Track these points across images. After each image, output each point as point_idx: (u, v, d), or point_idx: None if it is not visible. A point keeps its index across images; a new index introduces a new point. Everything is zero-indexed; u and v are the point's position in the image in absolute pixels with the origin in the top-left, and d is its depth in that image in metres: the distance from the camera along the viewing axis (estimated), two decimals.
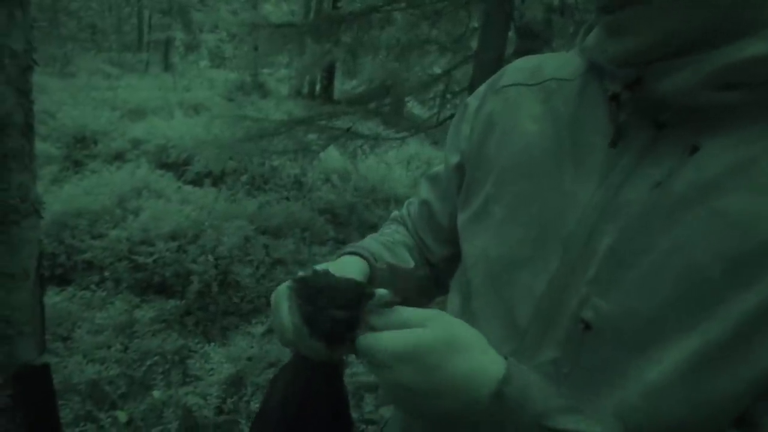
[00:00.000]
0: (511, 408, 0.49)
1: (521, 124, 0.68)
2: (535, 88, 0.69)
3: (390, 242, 0.85)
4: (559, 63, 0.69)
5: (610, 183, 0.56)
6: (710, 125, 0.52)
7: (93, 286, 3.44)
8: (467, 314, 0.68)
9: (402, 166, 6.67)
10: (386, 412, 2.64)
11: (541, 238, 0.61)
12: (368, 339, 0.54)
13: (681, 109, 0.53)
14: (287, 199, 5.38)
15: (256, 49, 5.75)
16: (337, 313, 0.58)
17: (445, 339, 0.51)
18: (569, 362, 0.57)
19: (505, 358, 0.53)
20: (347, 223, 5.14)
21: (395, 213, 0.96)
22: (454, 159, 0.77)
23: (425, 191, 0.87)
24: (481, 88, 0.77)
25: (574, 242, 0.58)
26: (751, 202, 0.49)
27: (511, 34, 4.16)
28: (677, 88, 0.51)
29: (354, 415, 2.66)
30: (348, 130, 4.52)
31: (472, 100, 0.77)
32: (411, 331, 0.52)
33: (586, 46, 0.61)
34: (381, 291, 0.59)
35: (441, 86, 5.13)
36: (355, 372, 2.88)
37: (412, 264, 0.82)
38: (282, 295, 0.65)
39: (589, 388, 0.55)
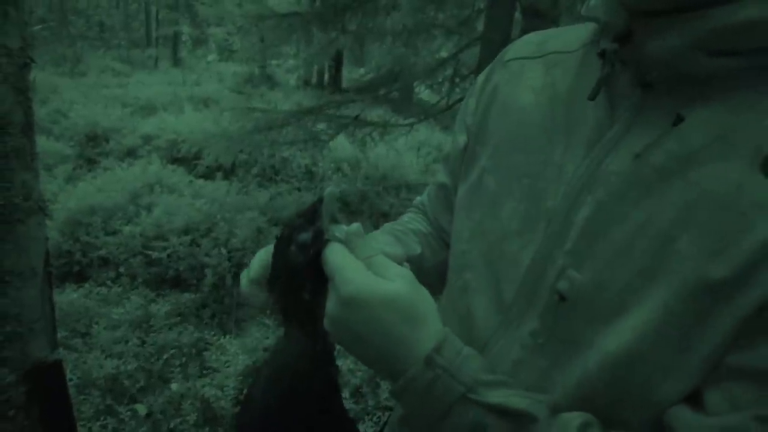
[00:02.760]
0: (438, 376, 0.51)
1: (519, 97, 0.68)
2: (538, 60, 0.69)
3: (400, 231, 0.86)
4: (566, 36, 0.69)
5: (595, 155, 0.56)
6: (698, 94, 0.51)
7: (109, 282, 3.48)
8: (460, 287, 0.69)
9: (412, 152, 6.63)
10: None
11: (529, 211, 0.61)
12: (337, 261, 0.55)
13: (668, 72, 0.52)
14: (298, 189, 5.38)
15: (262, 40, 5.72)
16: (301, 237, 0.58)
17: (405, 302, 0.53)
18: (545, 333, 0.57)
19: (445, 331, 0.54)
20: (359, 211, 5.14)
21: (417, 199, 0.96)
22: (462, 139, 0.78)
23: (441, 174, 0.87)
24: (491, 64, 0.78)
25: (556, 215, 0.57)
26: (726, 171, 0.47)
27: (517, 14, 4.10)
28: (665, 48, 0.50)
29: (370, 402, 2.67)
30: (356, 118, 4.50)
31: (481, 76, 0.78)
32: (381, 281, 0.54)
33: (590, 5, 0.60)
34: (328, 189, 0.61)
35: (449, 70, 5.08)
36: None
37: (418, 250, 0.82)
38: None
39: (562, 359, 0.55)
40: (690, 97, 0.51)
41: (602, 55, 0.56)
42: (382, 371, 0.55)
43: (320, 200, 0.60)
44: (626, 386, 0.51)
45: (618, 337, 0.51)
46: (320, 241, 0.58)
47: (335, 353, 0.70)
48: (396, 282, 0.54)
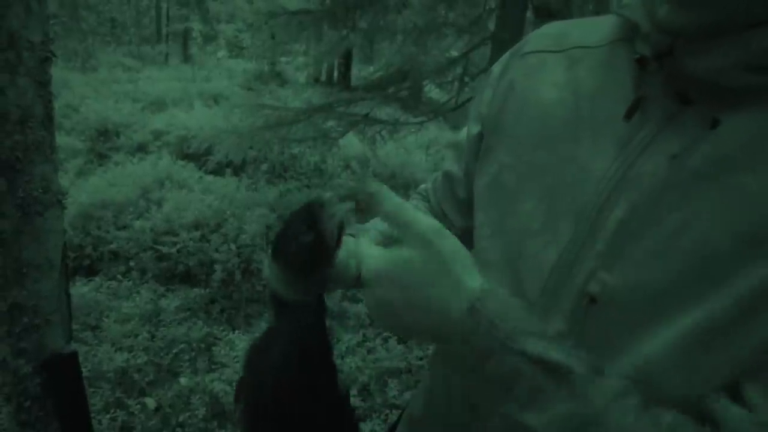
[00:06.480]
0: (481, 324, 0.50)
1: (541, 92, 0.66)
2: (559, 55, 0.67)
3: None
4: (586, 29, 0.67)
5: (627, 155, 0.55)
6: (734, 101, 0.50)
7: (119, 276, 3.50)
8: None
9: (421, 151, 6.64)
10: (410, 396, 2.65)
11: (553, 209, 0.60)
12: (362, 251, 0.55)
13: (707, 86, 0.51)
14: (308, 186, 5.39)
15: (273, 37, 5.73)
16: (303, 239, 0.62)
17: (435, 261, 0.51)
18: (574, 335, 0.56)
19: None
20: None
21: (421, 187, 0.96)
22: (475, 128, 0.76)
23: (448, 161, 0.87)
24: (506, 55, 0.76)
25: (586, 214, 0.57)
26: None
27: (528, 14, 4.09)
28: (708, 67, 0.49)
29: (378, 400, 2.67)
30: (366, 116, 4.50)
31: (496, 66, 0.76)
32: (402, 252, 0.52)
33: (627, 4, 0.59)
34: (326, 195, 0.62)
35: (459, 69, 5.06)
36: (378, 358, 2.89)
37: None
38: (265, 260, 0.70)
39: None
40: (726, 103, 0.51)
41: (642, 62, 0.56)
42: (429, 331, 0.54)
43: (320, 204, 0.62)
44: (661, 386, 0.51)
45: (657, 339, 0.51)
46: (322, 243, 0.61)
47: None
48: (409, 243, 0.52)
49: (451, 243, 0.53)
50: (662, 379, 0.51)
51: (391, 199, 0.54)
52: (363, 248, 0.55)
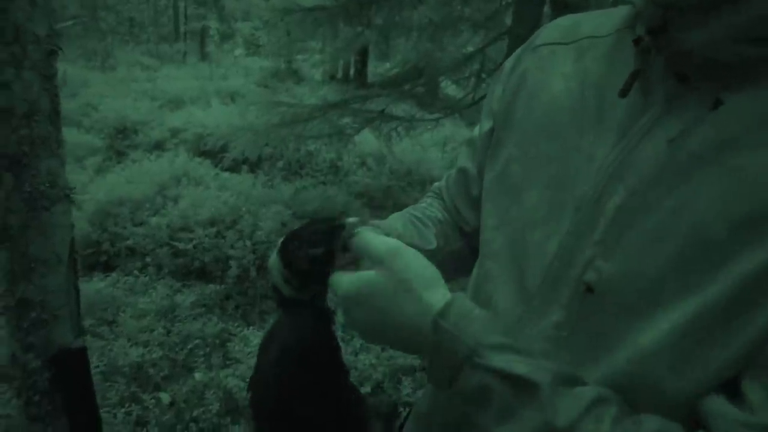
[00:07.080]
0: (445, 340, 0.51)
1: (550, 84, 0.65)
2: (570, 46, 0.66)
3: (417, 218, 0.84)
4: (598, 21, 0.66)
5: (627, 141, 0.54)
6: (735, 80, 0.49)
7: (136, 272, 3.53)
8: (482, 276, 0.67)
9: (437, 147, 6.60)
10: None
11: (556, 199, 0.59)
12: (333, 278, 0.60)
13: (705, 62, 0.50)
14: (323, 183, 5.40)
15: (288, 34, 5.73)
16: (313, 251, 0.63)
17: (393, 281, 0.54)
18: (570, 325, 0.55)
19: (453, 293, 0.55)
20: (383, 206, 5.12)
21: (436, 184, 0.95)
22: (487, 124, 0.76)
23: (463, 158, 0.85)
24: (518, 50, 0.75)
25: (585, 203, 0.55)
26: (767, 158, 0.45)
27: (546, 8, 4.04)
28: (704, 40, 0.48)
29: (392, 397, 2.66)
30: (382, 112, 4.48)
31: (508, 62, 0.75)
32: (363, 274, 0.56)
33: None
34: (350, 219, 0.63)
35: (475, 65, 5.02)
36: (392, 355, 2.87)
37: (433, 245, 0.81)
38: (274, 251, 0.72)
39: (588, 353, 0.53)
40: (726, 82, 0.49)
41: (638, 42, 0.54)
42: (404, 345, 0.57)
43: (341, 226, 0.63)
44: (656, 379, 0.49)
45: (653, 330, 0.49)
46: (330, 261, 0.62)
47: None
48: (380, 267, 0.55)
49: (406, 261, 0.55)
50: (658, 373, 0.49)
51: (359, 228, 0.59)
52: (335, 275, 0.59)
